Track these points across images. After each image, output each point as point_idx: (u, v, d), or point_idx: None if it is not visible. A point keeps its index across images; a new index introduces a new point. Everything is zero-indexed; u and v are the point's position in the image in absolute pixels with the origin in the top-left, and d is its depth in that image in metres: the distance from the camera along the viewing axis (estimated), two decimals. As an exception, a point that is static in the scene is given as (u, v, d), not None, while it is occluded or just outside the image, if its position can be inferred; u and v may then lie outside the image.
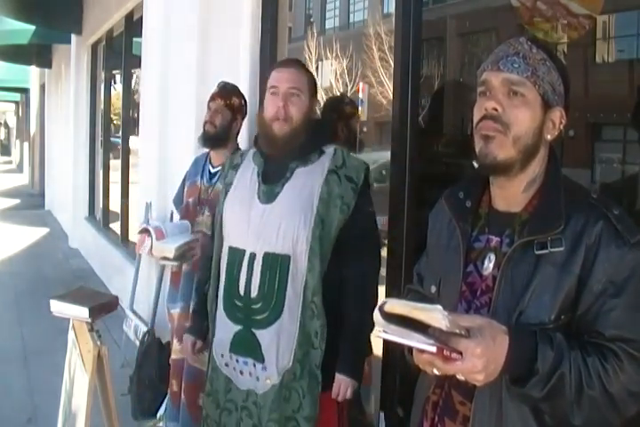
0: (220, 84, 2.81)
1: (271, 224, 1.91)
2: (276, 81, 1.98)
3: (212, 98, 2.77)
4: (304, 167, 1.95)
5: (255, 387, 1.93)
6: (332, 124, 2.69)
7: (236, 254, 1.97)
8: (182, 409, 2.71)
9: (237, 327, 1.95)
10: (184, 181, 2.95)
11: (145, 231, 2.69)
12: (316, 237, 1.87)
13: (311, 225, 1.87)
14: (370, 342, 2.13)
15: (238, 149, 2.82)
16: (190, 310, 2.43)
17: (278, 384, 1.89)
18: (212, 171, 2.77)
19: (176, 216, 3.04)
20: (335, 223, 1.90)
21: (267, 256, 1.90)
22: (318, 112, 2.32)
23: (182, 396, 2.71)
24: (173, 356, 2.81)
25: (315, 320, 1.88)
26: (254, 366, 1.93)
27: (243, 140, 3.26)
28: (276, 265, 1.89)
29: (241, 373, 1.97)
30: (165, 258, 2.54)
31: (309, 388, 1.88)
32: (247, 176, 2.03)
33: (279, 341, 1.89)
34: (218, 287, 2.04)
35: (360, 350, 1.96)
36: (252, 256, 1.93)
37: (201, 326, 2.17)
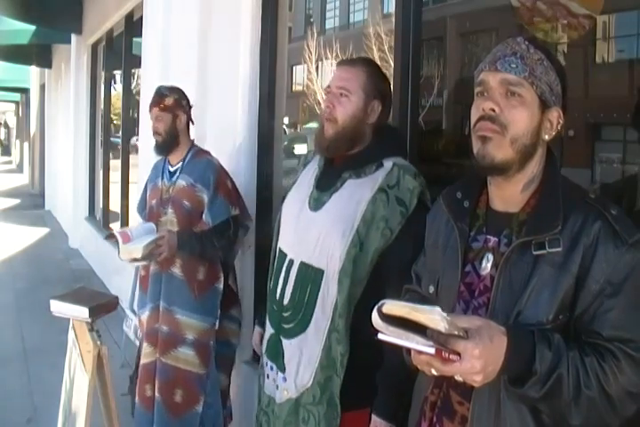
0: (154, 92, 2.82)
1: (312, 234, 1.81)
2: (331, 80, 1.90)
3: (149, 109, 2.79)
4: (356, 179, 1.80)
5: (275, 395, 1.89)
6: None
7: (280, 257, 1.92)
8: (158, 408, 2.69)
9: (272, 330, 1.91)
10: (145, 187, 2.97)
11: (112, 236, 2.71)
12: (350, 258, 1.72)
13: (348, 244, 1.73)
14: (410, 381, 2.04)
15: (193, 145, 2.84)
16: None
17: (294, 400, 1.83)
18: (172, 170, 2.80)
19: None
20: (374, 247, 1.73)
21: (302, 266, 1.82)
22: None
23: (157, 394, 2.69)
24: (144, 360, 2.78)
25: (339, 345, 1.76)
26: (277, 373, 1.88)
27: (243, 138, 3.27)
28: (309, 278, 1.80)
29: (267, 376, 1.93)
30: (134, 259, 2.57)
31: (326, 416, 1.78)
32: (307, 177, 1.95)
33: (301, 356, 1.81)
34: (269, 287, 1.99)
35: (398, 389, 1.75)
36: (291, 263, 1.86)
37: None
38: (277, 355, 1.87)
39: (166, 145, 2.77)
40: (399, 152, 1.88)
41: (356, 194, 1.78)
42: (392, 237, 1.73)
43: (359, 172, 1.81)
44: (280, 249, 1.94)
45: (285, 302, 1.85)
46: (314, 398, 1.80)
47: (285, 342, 1.85)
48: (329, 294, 1.77)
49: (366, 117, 1.86)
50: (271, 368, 1.91)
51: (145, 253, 2.52)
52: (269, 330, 1.93)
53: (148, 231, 2.68)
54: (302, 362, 1.81)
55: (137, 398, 2.81)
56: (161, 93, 2.79)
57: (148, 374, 2.75)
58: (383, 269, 1.75)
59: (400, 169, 1.79)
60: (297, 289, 1.82)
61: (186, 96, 2.85)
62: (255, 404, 2.02)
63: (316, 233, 1.80)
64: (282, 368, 1.86)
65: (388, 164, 1.80)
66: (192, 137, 2.90)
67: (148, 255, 2.54)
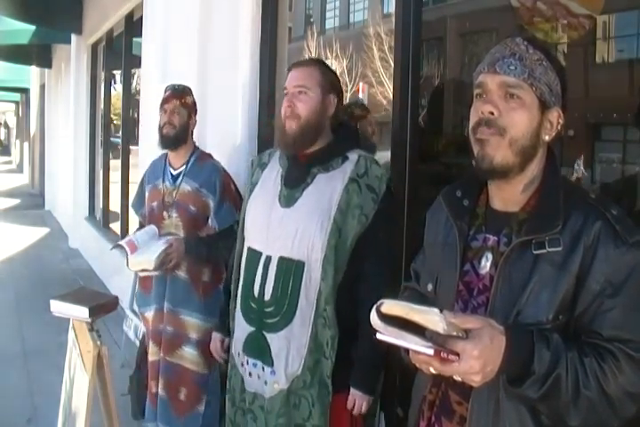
0: (169, 87, 2.83)
1: (288, 229, 1.89)
2: (287, 83, 1.99)
3: (166, 100, 2.78)
4: (325, 173, 1.92)
5: (263, 391, 1.94)
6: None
7: (253, 256, 1.98)
8: (161, 405, 2.73)
9: (251, 329, 1.96)
10: (142, 184, 2.97)
11: (118, 247, 2.69)
12: (331, 246, 1.85)
13: (327, 233, 1.85)
14: (385, 355, 2.07)
15: (196, 147, 2.84)
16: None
17: (286, 390, 1.89)
18: (174, 173, 2.79)
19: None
20: (352, 233, 1.86)
21: (281, 261, 1.89)
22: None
23: (161, 392, 2.73)
24: (150, 358, 2.81)
25: (326, 330, 1.86)
26: (263, 369, 1.93)
27: (243, 138, 3.27)
28: (291, 270, 1.88)
29: (250, 374, 1.98)
30: (145, 270, 2.57)
31: (319, 397, 1.87)
32: (272, 177, 2.03)
33: (289, 346, 1.88)
34: (238, 287, 2.05)
35: (375, 363, 1.91)
36: (268, 259, 1.92)
37: (226, 324, 2.17)
38: (262, 350, 1.93)
39: (177, 139, 2.75)
40: (357, 145, 2.01)
41: (327, 186, 1.90)
42: (368, 222, 1.87)
43: (327, 166, 1.93)
44: (251, 248, 2.00)
45: (267, 298, 1.92)
46: (304, 383, 1.88)
47: (271, 335, 1.91)
48: (311, 283, 1.87)
49: (325, 110, 1.98)
50: (254, 365, 1.96)
51: (157, 265, 2.53)
52: (246, 329, 1.98)
53: (152, 235, 2.68)
54: (291, 352, 1.88)
55: (147, 393, 2.85)
56: (181, 90, 2.80)
57: (153, 371, 2.80)
58: (361, 251, 1.88)
59: (366, 159, 1.93)
60: (278, 283, 1.90)
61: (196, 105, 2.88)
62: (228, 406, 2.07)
63: (293, 227, 1.89)
64: (269, 362, 1.91)
65: (353, 156, 1.94)
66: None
67: (159, 265, 2.55)
